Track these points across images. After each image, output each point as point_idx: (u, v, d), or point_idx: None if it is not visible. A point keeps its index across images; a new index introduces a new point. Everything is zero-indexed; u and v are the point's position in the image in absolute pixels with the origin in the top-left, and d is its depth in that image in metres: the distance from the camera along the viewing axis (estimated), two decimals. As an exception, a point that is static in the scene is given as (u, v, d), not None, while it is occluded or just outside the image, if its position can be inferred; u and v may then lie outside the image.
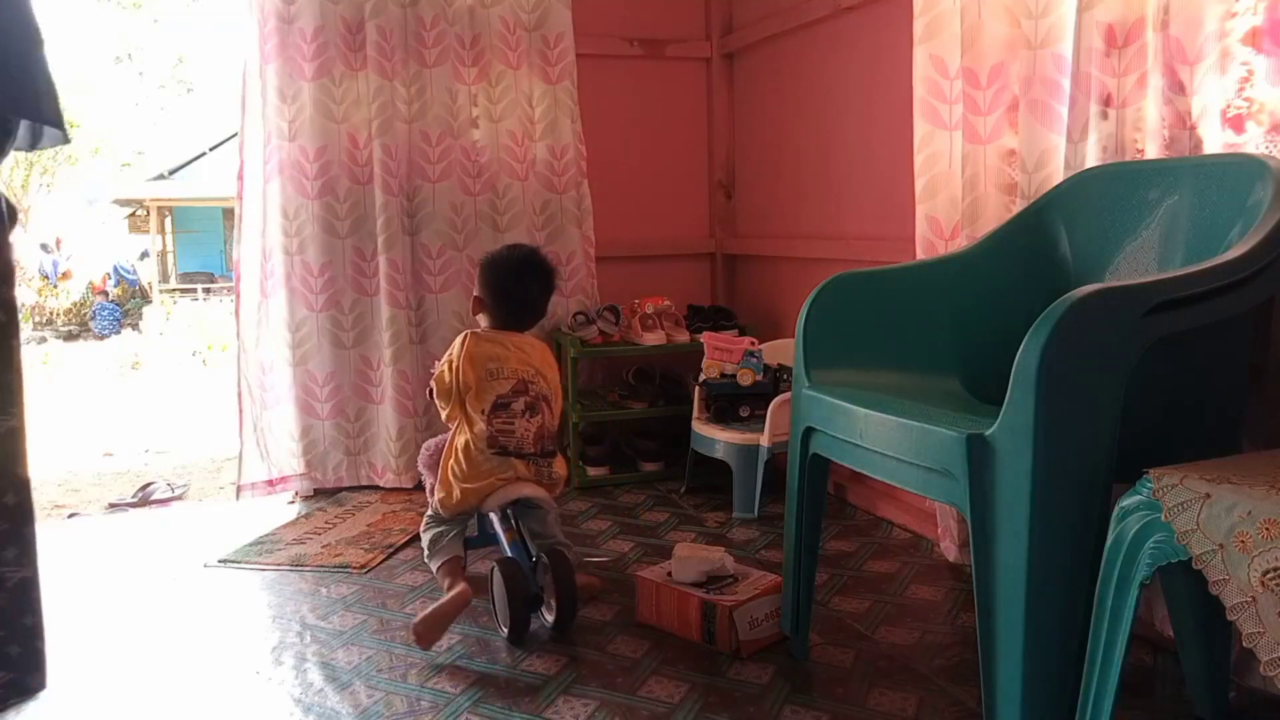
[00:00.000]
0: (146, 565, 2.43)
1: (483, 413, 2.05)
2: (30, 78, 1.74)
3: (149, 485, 3.04)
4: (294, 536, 2.60)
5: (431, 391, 2.18)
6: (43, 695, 1.76)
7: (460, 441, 2.07)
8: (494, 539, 2.16)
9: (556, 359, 2.26)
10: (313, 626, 2.03)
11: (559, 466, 2.13)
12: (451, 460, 2.08)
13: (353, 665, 1.85)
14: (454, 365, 2.09)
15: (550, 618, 1.96)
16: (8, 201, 1.77)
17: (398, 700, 1.70)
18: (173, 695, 1.76)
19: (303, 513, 2.84)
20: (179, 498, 3.07)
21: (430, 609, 1.90)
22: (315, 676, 1.81)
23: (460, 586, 1.95)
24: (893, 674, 1.76)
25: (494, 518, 2.12)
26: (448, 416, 2.13)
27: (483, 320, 2.19)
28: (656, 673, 1.78)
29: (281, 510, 2.88)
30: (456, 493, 2.04)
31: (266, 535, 2.62)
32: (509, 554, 2.02)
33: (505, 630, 1.94)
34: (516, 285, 2.16)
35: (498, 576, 1.95)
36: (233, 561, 2.43)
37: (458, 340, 2.13)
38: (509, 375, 2.07)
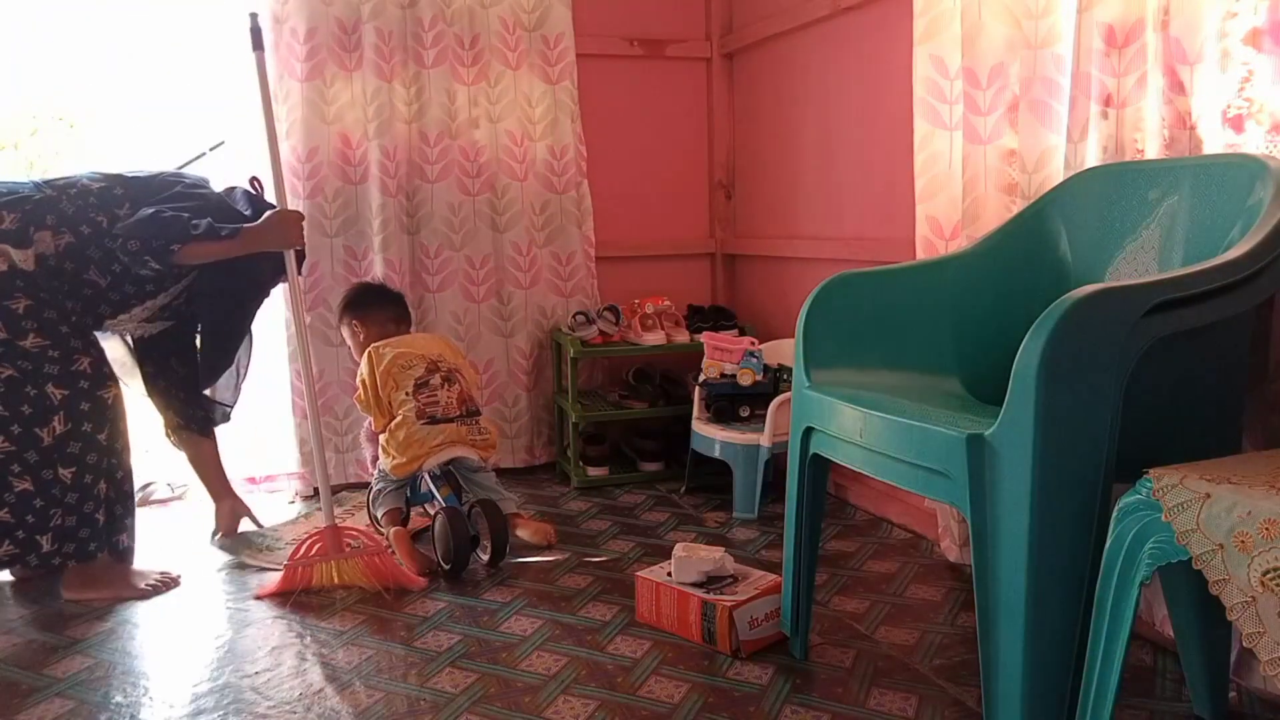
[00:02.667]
0: (146, 565, 2.42)
1: (408, 394, 2.40)
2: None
3: (149, 485, 3.03)
4: (293, 536, 2.60)
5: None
6: (41, 688, 1.76)
7: (397, 421, 2.41)
8: (430, 496, 2.46)
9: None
10: (313, 627, 2.03)
11: (485, 423, 2.49)
12: (388, 437, 2.41)
13: (353, 665, 1.85)
14: (369, 383, 2.47)
15: (485, 557, 2.32)
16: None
17: (398, 700, 1.70)
18: (173, 695, 1.76)
19: (303, 513, 2.85)
20: (179, 498, 3.07)
21: (404, 561, 2.28)
22: (315, 676, 1.81)
23: (396, 528, 2.37)
24: (893, 674, 1.76)
25: (428, 478, 2.43)
26: (378, 425, 2.51)
27: (368, 340, 2.60)
28: (656, 673, 1.78)
29: (281, 511, 2.88)
30: (399, 460, 2.38)
31: (268, 531, 2.63)
32: (446, 505, 2.35)
33: (446, 568, 2.27)
34: (386, 304, 2.69)
35: (440, 522, 2.28)
36: (232, 556, 2.45)
37: (364, 361, 2.52)
38: (417, 361, 2.45)
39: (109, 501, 2.22)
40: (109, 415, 2.20)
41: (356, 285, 2.84)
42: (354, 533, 2.28)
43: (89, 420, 2.17)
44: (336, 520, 2.29)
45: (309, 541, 2.25)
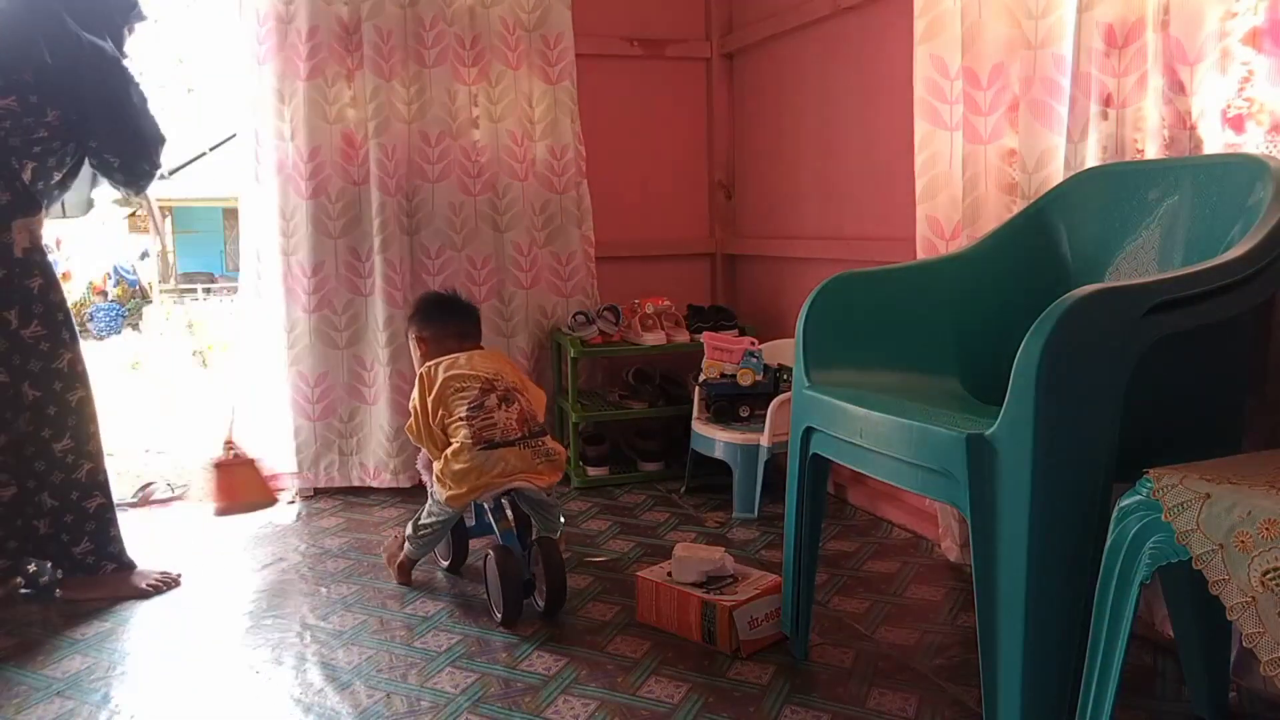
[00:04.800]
0: (146, 565, 2.42)
1: (463, 419, 2.11)
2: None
3: (149, 485, 3.04)
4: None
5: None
6: (41, 688, 1.76)
7: (453, 448, 2.11)
8: (489, 529, 2.25)
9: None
10: (313, 626, 2.03)
11: (552, 444, 2.19)
12: (443, 465, 2.11)
13: (353, 665, 1.85)
14: (419, 409, 2.21)
15: (541, 602, 2.06)
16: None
17: (398, 700, 1.70)
18: (173, 695, 1.76)
19: (302, 512, 2.84)
20: (179, 498, 3.07)
21: (388, 560, 2.31)
22: (315, 676, 1.81)
23: (404, 580, 2.28)
24: (893, 674, 1.76)
25: (488, 509, 2.22)
26: (433, 455, 2.20)
27: (426, 356, 2.34)
28: (656, 673, 1.78)
29: (282, 511, 2.88)
30: (455, 491, 2.08)
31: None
32: (503, 542, 2.13)
33: (500, 614, 2.04)
34: (451, 318, 2.40)
35: (492, 564, 2.05)
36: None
37: (415, 386, 2.25)
38: (470, 382, 2.17)
39: (57, 512, 2.18)
40: (70, 422, 2.17)
41: (424, 294, 2.63)
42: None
43: (50, 426, 2.15)
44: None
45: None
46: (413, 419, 2.24)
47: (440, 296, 2.53)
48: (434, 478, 2.16)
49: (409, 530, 2.23)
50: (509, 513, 2.19)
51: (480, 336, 2.45)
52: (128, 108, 2.20)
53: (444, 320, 2.39)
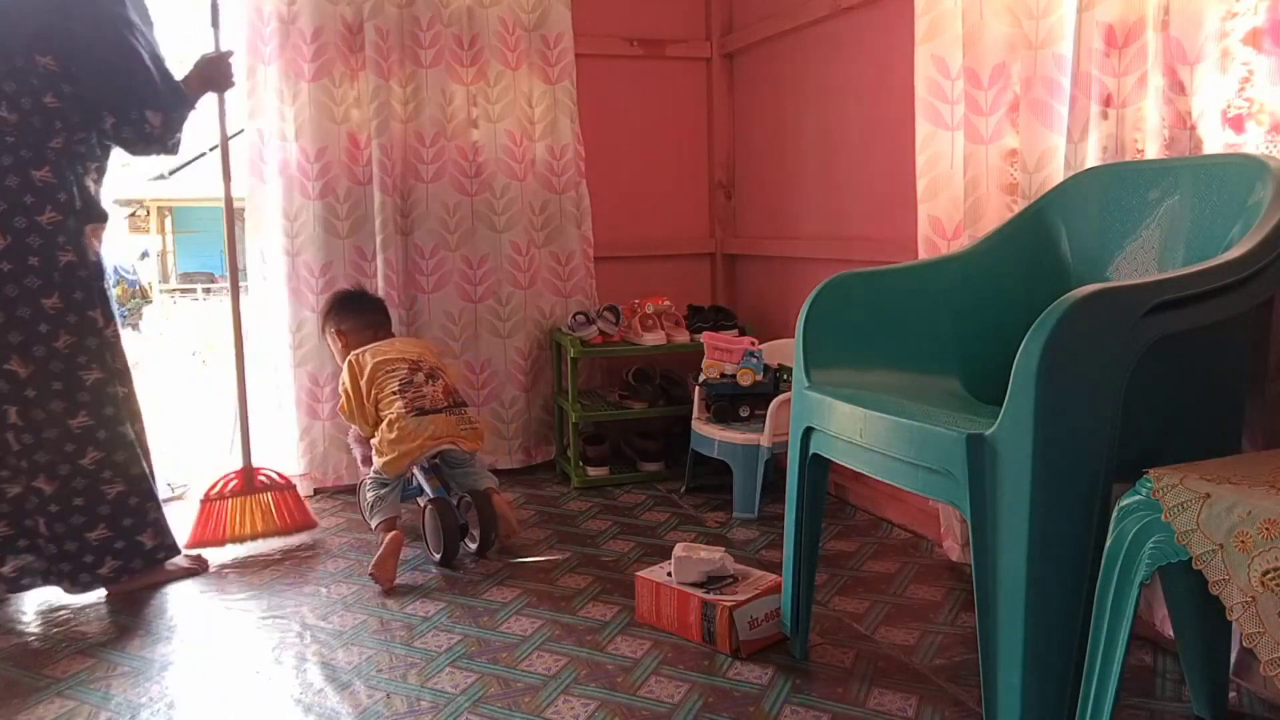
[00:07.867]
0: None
1: (395, 393, 2.44)
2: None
3: (149, 485, 3.05)
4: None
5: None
6: (41, 688, 1.76)
7: (388, 418, 2.42)
8: (420, 490, 2.54)
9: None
10: (313, 626, 2.03)
11: (472, 414, 2.53)
12: (380, 436, 2.42)
13: (353, 665, 1.85)
14: (350, 392, 2.53)
15: (474, 546, 2.41)
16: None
17: (398, 700, 1.70)
18: (173, 695, 1.77)
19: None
20: (179, 498, 3.07)
21: (378, 555, 2.26)
22: (315, 676, 1.81)
23: (394, 533, 2.33)
24: (893, 674, 1.76)
25: (417, 471, 2.50)
26: (364, 432, 2.56)
27: (347, 348, 2.66)
28: (656, 673, 1.78)
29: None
30: (391, 456, 2.38)
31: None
32: (435, 496, 2.42)
33: (437, 557, 2.36)
34: (366, 310, 2.74)
35: (430, 512, 2.39)
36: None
37: (345, 371, 2.56)
38: (399, 364, 2.50)
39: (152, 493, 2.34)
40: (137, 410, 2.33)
41: (335, 293, 2.85)
42: (267, 473, 2.57)
43: (139, 418, 2.30)
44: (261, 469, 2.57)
45: (224, 479, 2.52)
46: (344, 400, 2.55)
47: (353, 293, 2.83)
48: (373, 449, 2.44)
49: (365, 513, 2.49)
50: (437, 472, 2.51)
51: (391, 326, 2.79)
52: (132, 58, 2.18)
53: (360, 313, 2.72)
